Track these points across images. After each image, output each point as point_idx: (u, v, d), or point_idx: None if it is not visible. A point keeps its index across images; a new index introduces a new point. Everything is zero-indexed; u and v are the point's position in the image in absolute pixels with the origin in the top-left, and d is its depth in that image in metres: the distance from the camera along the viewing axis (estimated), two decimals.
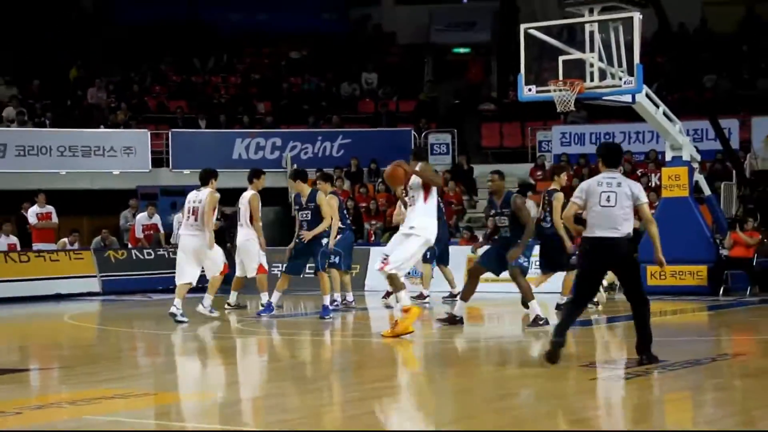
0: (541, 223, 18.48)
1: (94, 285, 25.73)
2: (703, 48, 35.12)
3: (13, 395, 11.22)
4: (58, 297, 24.51)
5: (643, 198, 12.14)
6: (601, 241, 11.95)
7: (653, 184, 25.97)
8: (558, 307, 18.77)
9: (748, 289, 22.03)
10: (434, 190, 15.43)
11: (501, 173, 17.02)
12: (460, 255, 24.95)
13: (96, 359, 14.36)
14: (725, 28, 36.24)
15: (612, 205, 11.94)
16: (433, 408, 10.22)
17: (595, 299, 19.18)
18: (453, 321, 16.71)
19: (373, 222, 28.99)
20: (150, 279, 26.21)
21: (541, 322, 16.15)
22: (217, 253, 18.77)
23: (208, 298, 18.68)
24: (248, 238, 19.66)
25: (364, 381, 11.91)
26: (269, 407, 10.20)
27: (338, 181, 30.41)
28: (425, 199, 15.19)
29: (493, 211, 16.68)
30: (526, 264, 16.59)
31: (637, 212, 12.22)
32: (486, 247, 17.31)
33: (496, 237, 16.77)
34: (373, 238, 28.39)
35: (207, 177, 18.96)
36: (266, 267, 20.25)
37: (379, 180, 31.15)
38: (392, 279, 15.19)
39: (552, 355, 11.92)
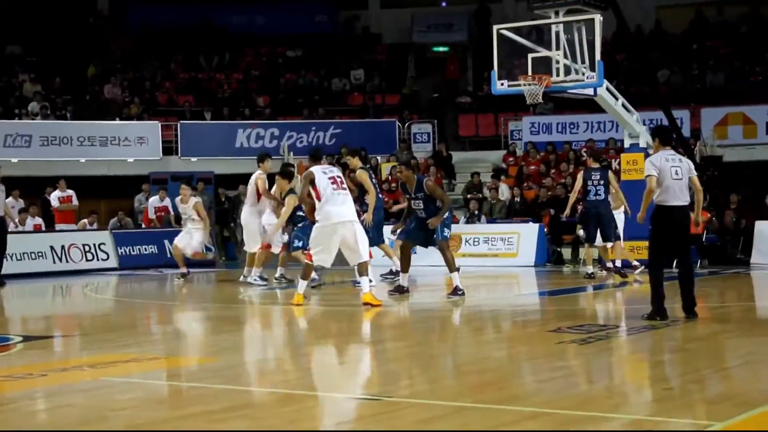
0: (589, 198, 19.32)
1: (111, 261, 25.71)
2: (657, 46, 35.11)
3: (39, 359, 11.22)
4: (80, 272, 24.48)
5: (694, 171, 12.87)
6: (675, 209, 12.54)
7: (614, 169, 25.95)
8: (589, 275, 19.62)
9: (698, 262, 22.10)
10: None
11: (408, 163, 17.02)
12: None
13: (113, 327, 14.36)
14: (677, 29, 36.27)
15: (680, 177, 12.58)
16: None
17: (591, 272, 19.48)
18: (401, 291, 16.76)
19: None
20: (159, 255, 26.24)
21: (459, 293, 16.22)
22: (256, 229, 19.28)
23: (255, 271, 19.19)
24: (250, 215, 19.63)
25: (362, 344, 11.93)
26: (269, 370, 10.22)
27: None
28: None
29: (408, 196, 16.68)
30: (448, 236, 16.62)
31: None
32: (408, 227, 16.93)
33: (410, 218, 16.84)
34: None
35: (259, 159, 19.66)
36: (273, 244, 19.90)
37: (367, 165, 31.12)
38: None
39: (663, 313, 12.52)
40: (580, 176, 19.92)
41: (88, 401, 8.51)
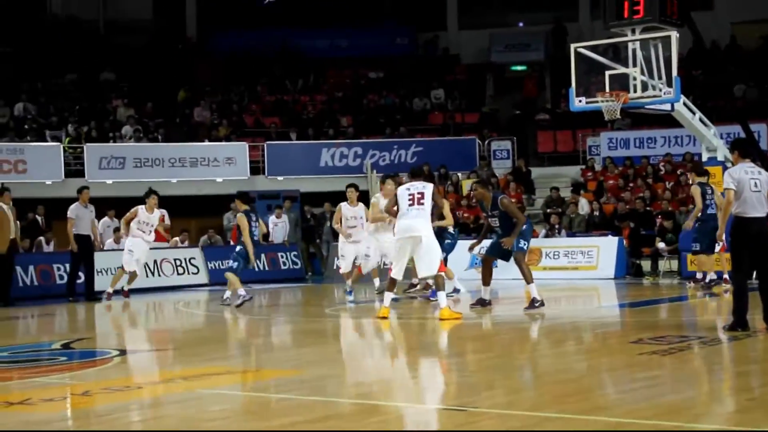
0: (708, 212, 19.36)
1: (202, 277, 25.93)
2: (732, 62, 34.68)
3: (135, 372, 11.32)
4: (173, 288, 24.72)
5: None
6: (754, 221, 12.34)
7: (691, 182, 25.63)
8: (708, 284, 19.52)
9: None
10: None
11: (483, 182, 17.04)
12: None
13: (205, 341, 14.44)
14: (752, 44, 35.76)
15: (759, 189, 12.39)
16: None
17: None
18: (483, 304, 16.65)
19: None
20: (249, 271, 26.32)
21: (537, 304, 16.08)
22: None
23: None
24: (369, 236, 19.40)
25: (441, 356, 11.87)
26: (354, 381, 10.19)
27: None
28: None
29: (485, 214, 16.73)
30: (525, 248, 16.58)
31: None
32: (489, 242, 17.18)
33: (490, 234, 16.96)
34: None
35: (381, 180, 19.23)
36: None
37: (448, 182, 31.11)
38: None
39: (744, 324, 12.30)
40: (697, 192, 19.61)
41: (182, 412, 8.55)
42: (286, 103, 37.84)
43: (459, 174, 31.32)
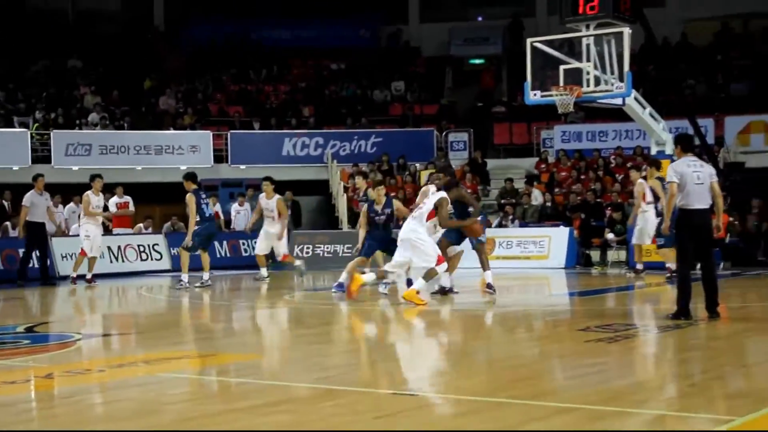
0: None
1: (165, 263, 25.87)
2: (683, 58, 34.93)
3: (98, 356, 11.32)
4: (136, 273, 24.63)
5: (716, 177, 12.76)
6: (697, 212, 12.48)
7: (644, 175, 25.82)
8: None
9: (721, 264, 21.92)
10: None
11: (445, 169, 17.36)
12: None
13: (167, 326, 14.44)
14: (702, 41, 36.04)
15: (701, 182, 12.51)
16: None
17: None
18: (444, 292, 16.78)
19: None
20: (211, 257, 26.30)
21: (491, 290, 16.46)
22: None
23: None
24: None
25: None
26: (311, 366, 10.24)
27: (371, 173, 30.48)
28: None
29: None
30: (484, 239, 17.02)
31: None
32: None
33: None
34: (401, 222, 28.29)
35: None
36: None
37: (406, 172, 31.17)
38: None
39: (687, 313, 12.46)
40: (658, 186, 19.63)
41: (142, 395, 8.57)
42: (250, 92, 37.76)
43: (417, 165, 31.40)
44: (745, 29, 35.97)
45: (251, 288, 20.42)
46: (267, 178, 21.13)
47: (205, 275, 20.06)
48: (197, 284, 19.83)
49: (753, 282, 20.14)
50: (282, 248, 21.18)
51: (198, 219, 19.64)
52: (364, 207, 18.37)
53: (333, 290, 17.77)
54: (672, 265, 20.12)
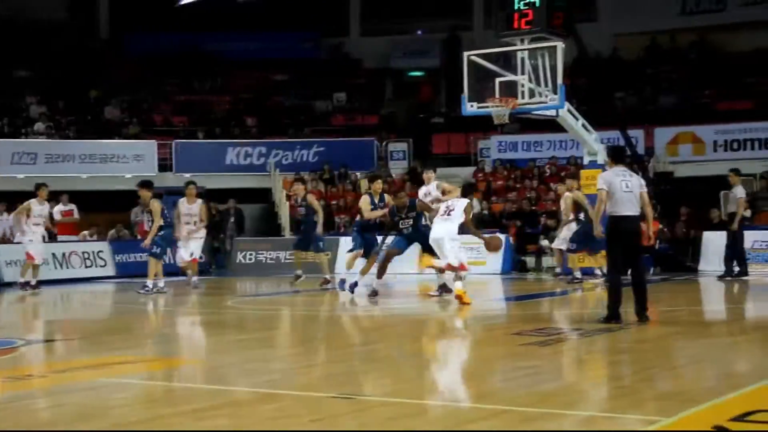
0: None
1: (109, 270, 25.62)
2: (614, 71, 35.27)
3: (41, 361, 11.17)
4: (81, 280, 24.36)
5: (645, 187, 12.94)
6: (626, 219, 12.61)
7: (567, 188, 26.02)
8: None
9: (651, 269, 22.14)
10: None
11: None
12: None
13: (110, 331, 14.29)
14: (632, 55, 36.41)
15: (630, 190, 12.67)
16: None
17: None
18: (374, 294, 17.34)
19: (342, 216, 28.98)
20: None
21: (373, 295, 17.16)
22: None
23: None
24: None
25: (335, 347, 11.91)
26: (252, 370, 10.18)
27: (313, 182, 30.44)
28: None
29: (397, 217, 17.54)
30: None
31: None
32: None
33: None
34: (342, 230, 28.37)
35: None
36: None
37: (347, 181, 31.15)
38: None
39: (617, 317, 12.61)
40: (581, 196, 20.22)
41: (85, 400, 8.46)
42: (195, 103, 37.53)
43: (358, 173, 31.40)
44: (672, 44, 36.39)
45: (192, 294, 20.23)
46: (190, 183, 20.98)
47: (161, 282, 19.80)
48: (153, 291, 19.54)
49: (681, 287, 20.36)
50: (194, 251, 20.89)
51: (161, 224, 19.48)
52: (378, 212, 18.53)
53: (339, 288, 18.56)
54: (578, 273, 20.48)
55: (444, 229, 16.26)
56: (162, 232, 19.54)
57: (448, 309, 16.29)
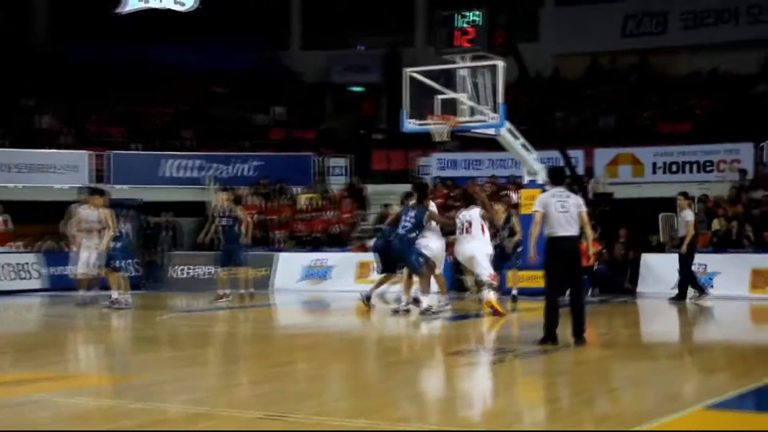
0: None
1: (41, 282, 25.23)
2: (555, 90, 35.51)
3: None
4: (12, 293, 23.95)
5: (584, 207, 12.93)
6: (563, 239, 12.61)
7: (514, 202, 26.11)
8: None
9: (590, 291, 22.22)
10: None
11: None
12: (352, 260, 25.07)
13: (39, 346, 14.02)
14: (573, 75, 36.69)
15: (566, 210, 12.67)
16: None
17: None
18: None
19: (280, 232, 28.81)
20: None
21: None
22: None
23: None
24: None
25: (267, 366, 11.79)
26: (183, 388, 10.02)
27: (250, 197, 30.24)
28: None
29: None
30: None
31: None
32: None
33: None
34: (279, 245, 28.23)
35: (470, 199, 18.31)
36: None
37: (285, 196, 30.97)
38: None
39: (554, 338, 12.59)
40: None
41: (8, 419, 8.25)
42: (133, 113, 37.16)
43: (296, 188, 31.27)
44: (613, 65, 36.75)
45: (121, 309, 19.89)
46: (90, 188, 20.42)
47: (114, 293, 19.39)
48: (123, 304, 19.16)
49: (619, 309, 20.46)
50: (93, 261, 19.73)
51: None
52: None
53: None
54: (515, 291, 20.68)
55: (474, 247, 17.17)
56: (119, 244, 19.17)
57: (379, 328, 16.22)
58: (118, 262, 19.33)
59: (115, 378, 10.69)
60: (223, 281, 20.58)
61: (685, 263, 21.09)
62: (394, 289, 19.08)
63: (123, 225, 19.57)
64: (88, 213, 19.72)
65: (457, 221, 17.48)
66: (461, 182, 30.24)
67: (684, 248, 20.92)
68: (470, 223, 17.31)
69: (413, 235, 17.33)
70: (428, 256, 17.43)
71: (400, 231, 17.53)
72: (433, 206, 18.29)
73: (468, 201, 17.94)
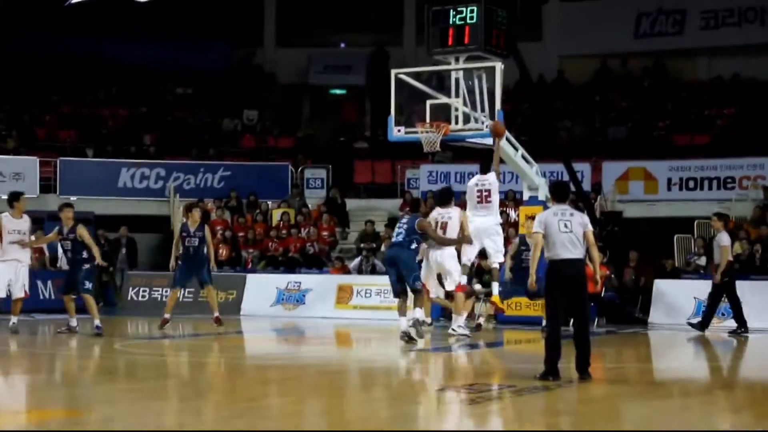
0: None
1: None
2: (559, 97, 35.65)
3: None
4: None
5: (590, 226, 13.00)
6: (567, 262, 12.71)
7: (512, 221, 26.22)
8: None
9: (596, 320, 22.30)
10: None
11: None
12: (331, 283, 25.10)
13: None
14: (580, 80, 36.85)
15: (569, 230, 12.76)
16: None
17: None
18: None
19: (251, 250, 28.81)
20: (33, 299, 25.77)
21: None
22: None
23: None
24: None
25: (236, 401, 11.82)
26: (137, 425, 10.05)
27: (218, 210, 30.28)
28: None
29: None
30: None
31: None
32: None
33: None
34: (250, 266, 28.24)
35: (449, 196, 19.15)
36: None
37: (257, 211, 30.99)
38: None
39: (555, 373, 12.73)
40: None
41: None
42: (84, 115, 37.14)
43: (269, 202, 31.29)
44: (624, 69, 36.90)
45: (76, 335, 19.90)
46: (18, 194, 20.06)
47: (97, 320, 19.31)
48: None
49: (629, 340, 20.56)
50: (21, 281, 19.48)
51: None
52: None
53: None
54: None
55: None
56: (87, 266, 19.15)
57: (362, 359, 16.27)
58: (90, 284, 19.33)
59: (65, 412, 10.70)
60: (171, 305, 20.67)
61: (718, 294, 20.97)
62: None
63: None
64: (16, 222, 19.42)
65: (432, 221, 18.24)
66: (456, 197, 30.28)
67: (717, 277, 20.74)
68: (446, 224, 18.10)
69: (414, 246, 17.64)
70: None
71: (395, 239, 18.00)
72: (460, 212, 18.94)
73: (444, 199, 18.76)
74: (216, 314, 20.35)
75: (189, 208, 20.81)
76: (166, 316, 20.31)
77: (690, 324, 21.19)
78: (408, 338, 17.49)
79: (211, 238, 20.98)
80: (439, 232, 18.16)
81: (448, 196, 18.90)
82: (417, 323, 17.42)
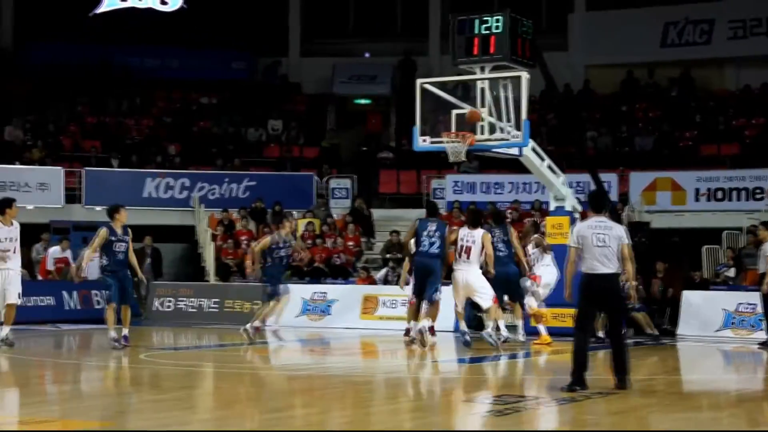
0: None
1: None
2: (585, 107, 35.64)
3: None
4: None
5: (627, 239, 12.94)
6: (601, 277, 12.73)
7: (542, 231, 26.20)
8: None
9: (624, 332, 22.20)
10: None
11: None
12: (356, 293, 25.16)
13: (5, 387, 14.13)
14: (606, 89, 36.85)
15: (605, 244, 12.76)
16: None
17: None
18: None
19: None
20: (59, 309, 25.99)
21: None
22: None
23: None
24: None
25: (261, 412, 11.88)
26: None
27: (243, 220, 30.39)
28: None
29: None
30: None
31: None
32: None
33: None
34: None
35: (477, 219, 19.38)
36: None
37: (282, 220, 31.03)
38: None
39: (582, 383, 12.75)
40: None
41: None
42: (109, 125, 37.32)
43: (294, 212, 31.36)
44: (651, 78, 36.88)
45: (103, 345, 20.01)
46: (10, 200, 19.43)
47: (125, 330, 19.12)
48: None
49: (657, 352, 20.51)
50: (15, 290, 18.98)
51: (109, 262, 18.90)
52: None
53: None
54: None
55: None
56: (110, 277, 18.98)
57: (388, 369, 16.30)
58: (110, 293, 19.31)
59: (93, 423, 10.78)
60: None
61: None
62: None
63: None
64: (6, 230, 18.97)
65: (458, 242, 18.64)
66: (480, 207, 30.32)
67: (765, 287, 20.54)
68: (470, 248, 18.42)
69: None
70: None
71: (432, 250, 19.06)
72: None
73: (474, 221, 18.92)
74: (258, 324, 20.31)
75: (280, 219, 20.97)
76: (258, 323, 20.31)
77: (760, 345, 20.88)
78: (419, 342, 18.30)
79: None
80: (463, 255, 18.77)
81: (477, 219, 19.26)
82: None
